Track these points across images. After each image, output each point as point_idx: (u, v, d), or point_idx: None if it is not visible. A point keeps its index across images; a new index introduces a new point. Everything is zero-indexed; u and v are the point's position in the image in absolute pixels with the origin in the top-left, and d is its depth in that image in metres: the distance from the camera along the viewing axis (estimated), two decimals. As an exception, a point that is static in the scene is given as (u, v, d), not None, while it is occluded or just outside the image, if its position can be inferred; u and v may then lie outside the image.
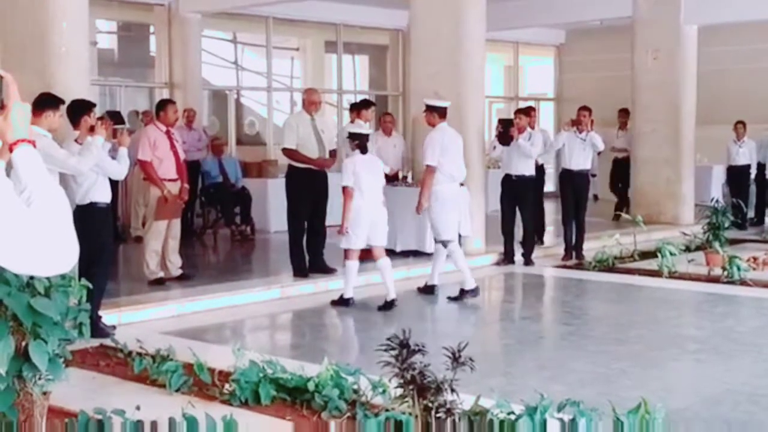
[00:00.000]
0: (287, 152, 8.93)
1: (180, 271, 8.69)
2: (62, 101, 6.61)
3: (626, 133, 14.33)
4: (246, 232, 12.05)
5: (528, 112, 10.70)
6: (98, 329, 6.29)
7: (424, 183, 8.37)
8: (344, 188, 7.79)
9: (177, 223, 8.73)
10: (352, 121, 10.27)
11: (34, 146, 1.89)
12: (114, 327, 6.76)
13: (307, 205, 8.92)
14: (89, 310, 4.33)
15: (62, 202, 1.82)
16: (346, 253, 7.96)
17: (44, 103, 6.37)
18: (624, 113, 14.59)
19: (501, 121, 10.77)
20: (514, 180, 10.04)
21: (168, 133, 8.70)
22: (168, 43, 14.15)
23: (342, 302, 8.02)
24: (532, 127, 10.74)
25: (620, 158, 14.58)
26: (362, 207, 7.78)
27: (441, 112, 8.40)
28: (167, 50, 14.21)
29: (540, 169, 11.34)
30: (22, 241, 1.71)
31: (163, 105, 8.99)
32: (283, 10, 15.01)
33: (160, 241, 8.51)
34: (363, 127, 8.33)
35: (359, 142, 7.89)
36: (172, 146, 8.66)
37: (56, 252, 1.76)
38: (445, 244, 8.37)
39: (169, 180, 8.52)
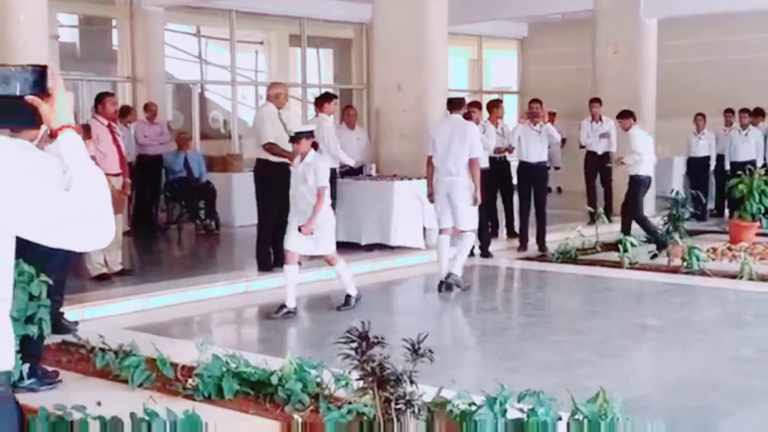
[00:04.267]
0: (268, 146, 8.76)
1: (120, 267, 8.59)
2: None
3: (602, 125, 12.68)
4: (210, 226, 12.02)
5: (479, 104, 10.84)
6: (60, 325, 6.25)
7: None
8: None
9: (119, 219, 8.66)
10: (316, 115, 10.28)
11: (77, 132, 2.07)
12: (76, 323, 6.71)
13: (278, 200, 8.87)
14: (49, 306, 4.32)
15: (101, 183, 2.00)
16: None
17: None
18: (593, 102, 12.86)
19: None
20: None
21: (110, 126, 8.55)
22: (130, 36, 14.04)
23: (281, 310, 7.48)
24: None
25: (592, 152, 12.78)
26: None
27: (449, 105, 8.82)
28: (130, 44, 14.11)
29: (504, 162, 11.34)
30: (58, 220, 1.90)
31: (101, 98, 8.73)
32: (247, 4, 14.97)
33: None
34: (308, 125, 8.18)
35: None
36: (115, 140, 8.49)
37: (93, 228, 1.95)
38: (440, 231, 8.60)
39: (113, 175, 8.22)
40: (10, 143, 1.94)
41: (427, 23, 10.23)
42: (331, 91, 13.44)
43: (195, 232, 11.96)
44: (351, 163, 10.25)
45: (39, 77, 2.08)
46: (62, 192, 1.92)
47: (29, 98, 2.07)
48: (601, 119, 12.73)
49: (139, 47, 13.99)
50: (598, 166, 12.77)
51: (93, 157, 8.09)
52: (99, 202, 1.96)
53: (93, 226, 1.94)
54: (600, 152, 12.72)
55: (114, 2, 14.21)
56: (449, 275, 8.33)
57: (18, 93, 2.06)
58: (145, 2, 13.73)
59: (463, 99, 9.24)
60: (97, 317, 7.12)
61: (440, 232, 8.57)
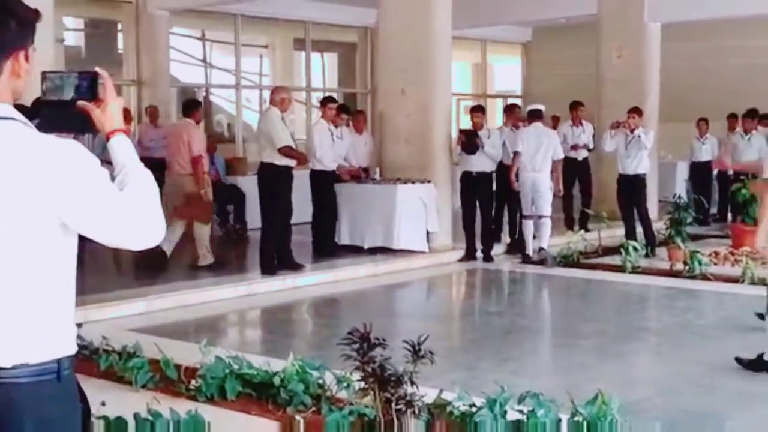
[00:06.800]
0: (285, 149, 8.77)
1: None
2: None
3: (583, 130, 12.45)
4: (241, 230, 11.60)
5: (483, 109, 10.87)
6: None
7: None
8: None
9: None
10: (321, 117, 10.34)
11: (127, 134, 2.14)
12: (79, 324, 6.71)
13: (283, 203, 8.88)
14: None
15: (151, 184, 2.06)
16: None
17: None
18: (576, 106, 12.61)
19: (463, 132, 10.67)
20: (474, 176, 10.13)
21: None
22: (136, 40, 14.11)
23: None
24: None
25: (572, 158, 12.16)
26: None
27: (532, 115, 10.43)
28: (135, 47, 14.17)
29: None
30: (115, 219, 1.96)
31: None
32: (252, 8, 15.01)
33: None
34: None
35: None
36: None
37: (144, 227, 2.00)
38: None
39: None
40: (80, 145, 1.99)
41: (431, 28, 10.27)
42: (336, 95, 13.50)
43: (226, 236, 11.52)
44: (332, 167, 10.15)
45: (90, 83, 2.10)
46: (119, 192, 1.98)
47: (81, 104, 2.10)
48: (581, 123, 12.51)
49: (144, 51, 14.06)
50: (576, 172, 12.40)
51: None
52: (151, 202, 2.02)
53: (146, 224, 2.00)
54: (580, 158, 12.43)
55: (120, 6, 14.28)
56: (540, 249, 10.06)
57: (69, 99, 2.09)
58: (151, 6, 13.79)
59: (541, 110, 10.52)
60: (101, 319, 7.15)
61: (525, 218, 10.19)
